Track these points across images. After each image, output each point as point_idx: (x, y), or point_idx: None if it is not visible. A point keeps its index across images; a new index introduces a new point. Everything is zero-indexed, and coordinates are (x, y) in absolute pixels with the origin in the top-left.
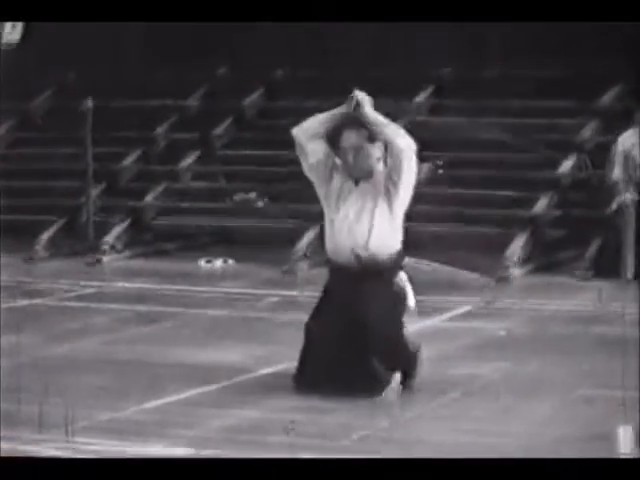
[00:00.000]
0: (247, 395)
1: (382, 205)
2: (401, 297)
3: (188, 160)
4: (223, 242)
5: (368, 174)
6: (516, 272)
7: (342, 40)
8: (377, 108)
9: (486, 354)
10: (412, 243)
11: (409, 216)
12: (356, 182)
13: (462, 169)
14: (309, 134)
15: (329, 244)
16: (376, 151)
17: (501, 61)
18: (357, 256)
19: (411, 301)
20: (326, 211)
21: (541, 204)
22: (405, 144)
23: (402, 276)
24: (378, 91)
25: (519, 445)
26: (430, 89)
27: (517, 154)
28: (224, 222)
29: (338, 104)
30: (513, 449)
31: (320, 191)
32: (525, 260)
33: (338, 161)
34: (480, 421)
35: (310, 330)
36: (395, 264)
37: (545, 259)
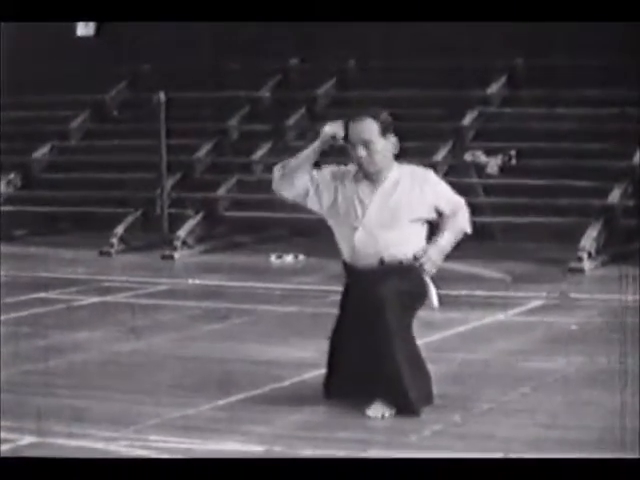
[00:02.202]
0: (318, 391)
1: (406, 207)
2: (422, 295)
3: (261, 151)
4: (295, 235)
5: (381, 170)
6: (589, 263)
7: (414, 31)
8: (448, 100)
9: (559, 347)
10: (484, 235)
11: (480, 208)
12: (370, 179)
13: (534, 159)
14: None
15: (348, 249)
16: (388, 145)
17: (573, 51)
18: (381, 260)
19: (434, 300)
20: (342, 219)
21: (615, 194)
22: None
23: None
24: (450, 83)
25: (592, 439)
26: (502, 80)
27: (591, 144)
28: (296, 215)
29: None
30: (587, 443)
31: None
32: (599, 251)
33: (345, 168)
34: (553, 415)
35: (333, 341)
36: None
37: (619, 249)
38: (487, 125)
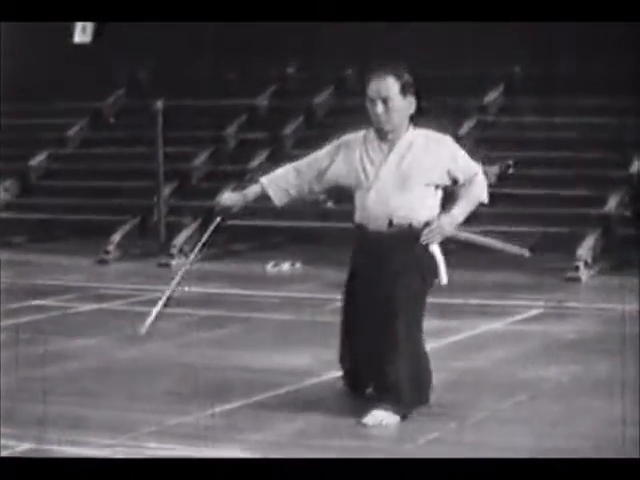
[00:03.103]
0: (315, 399)
1: (418, 170)
2: (432, 275)
3: (258, 159)
4: (293, 243)
5: (398, 129)
6: (586, 272)
7: (411, 40)
8: (445, 108)
9: (555, 356)
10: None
11: (479, 216)
12: (384, 140)
13: (531, 168)
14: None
15: (360, 210)
16: (407, 105)
17: (571, 59)
18: (390, 222)
19: (443, 277)
20: (362, 181)
21: (612, 203)
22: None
23: (435, 248)
24: (448, 90)
25: (589, 447)
26: (500, 88)
27: (588, 153)
28: (293, 223)
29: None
30: (583, 451)
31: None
32: (596, 260)
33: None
34: (549, 423)
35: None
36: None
37: (616, 258)
38: (484, 134)
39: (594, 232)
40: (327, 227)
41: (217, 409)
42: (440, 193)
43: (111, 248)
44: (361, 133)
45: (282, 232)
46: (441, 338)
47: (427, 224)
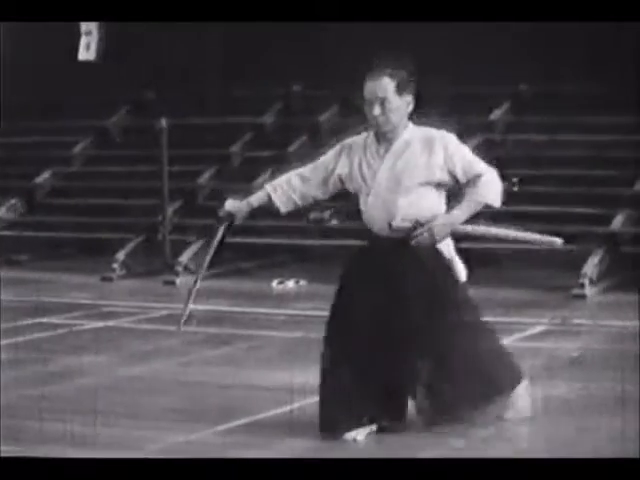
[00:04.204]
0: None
1: (414, 170)
2: (446, 270)
3: (263, 177)
4: (299, 261)
5: (395, 129)
6: (592, 290)
7: (416, 56)
8: (451, 126)
9: (561, 373)
10: (487, 260)
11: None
12: (382, 141)
13: (537, 186)
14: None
15: (364, 216)
16: (404, 104)
17: (577, 76)
18: (389, 225)
19: (461, 273)
20: (361, 186)
21: (618, 221)
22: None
23: (448, 243)
24: (453, 109)
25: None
26: (506, 106)
27: (594, 170)
28: (299, 241)
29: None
30: None
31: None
32: (601, 277)
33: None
34: (555, 441)
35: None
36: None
37: (621, 276)
38: (490, 151)
39: (600, 249)
40: (331, 245)
41: (221, 427)
42: (443, 193)
43: (116, 266)
44: (362, 136)
45: (286, 250)
46: None
47: (419, 223)
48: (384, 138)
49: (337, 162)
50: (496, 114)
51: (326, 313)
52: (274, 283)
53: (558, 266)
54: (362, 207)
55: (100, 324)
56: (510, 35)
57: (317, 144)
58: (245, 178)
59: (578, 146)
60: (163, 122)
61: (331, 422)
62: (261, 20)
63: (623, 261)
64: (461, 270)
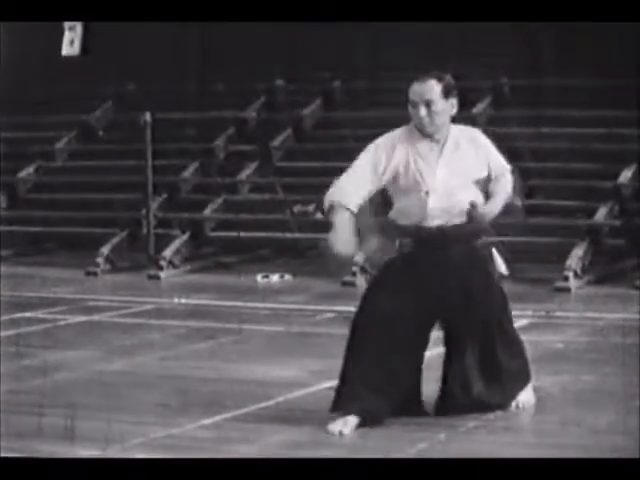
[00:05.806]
0: (304, 410)
1: (469, 168)
2: (490, 263)
3: (247, 172)
4: (282, 255)
5: (440, 130)
6: (575, 282)
7: (399, 51)
8: None
9: (545, 366)
10: None
11: None
12: (430, 140)
13: (520, 179)
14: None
15: (419, 214)
16: (449, 107)
17: (558, 70)
18: (442, 224)
19: (502, 267)
20: (419, 182)
21: (601, 214)
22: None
23: (487, 240)
24: None
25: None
26: (488, 99)
27: (576, 163)
28: (283, 235)
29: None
30: None
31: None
32: (585, 270)
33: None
34: (539, 433)
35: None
36: (480, 229)
37: (605, 269)
38: None
39: (583, 243)
40: (316, 239)
41: (206, 421)
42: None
43: (100, 260)
44: (397, 133)
45: (270, 245)
46: (431, 348)
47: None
48: (432, 138)
49: (389, 160)
50: (478, 108)
51: (310, 307)
52: (258, 277)
53: (542, 259)
54: (415, 204)
55: (84, 318)
56: (491, 28)
57: (300, 138)
58: (228, 172)
59: (560, 139)
60: (147, 116)
61: (355, 403)
62: (244, 20)
63: (607, 254)
64: (502, 264)
